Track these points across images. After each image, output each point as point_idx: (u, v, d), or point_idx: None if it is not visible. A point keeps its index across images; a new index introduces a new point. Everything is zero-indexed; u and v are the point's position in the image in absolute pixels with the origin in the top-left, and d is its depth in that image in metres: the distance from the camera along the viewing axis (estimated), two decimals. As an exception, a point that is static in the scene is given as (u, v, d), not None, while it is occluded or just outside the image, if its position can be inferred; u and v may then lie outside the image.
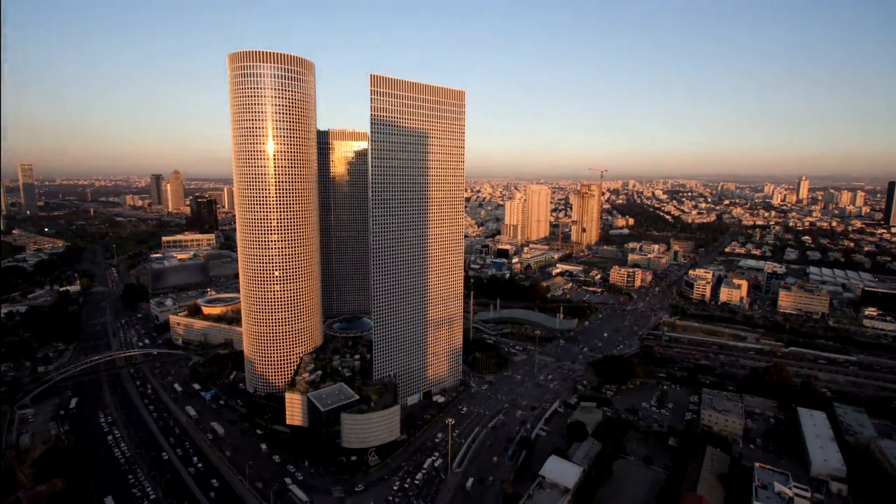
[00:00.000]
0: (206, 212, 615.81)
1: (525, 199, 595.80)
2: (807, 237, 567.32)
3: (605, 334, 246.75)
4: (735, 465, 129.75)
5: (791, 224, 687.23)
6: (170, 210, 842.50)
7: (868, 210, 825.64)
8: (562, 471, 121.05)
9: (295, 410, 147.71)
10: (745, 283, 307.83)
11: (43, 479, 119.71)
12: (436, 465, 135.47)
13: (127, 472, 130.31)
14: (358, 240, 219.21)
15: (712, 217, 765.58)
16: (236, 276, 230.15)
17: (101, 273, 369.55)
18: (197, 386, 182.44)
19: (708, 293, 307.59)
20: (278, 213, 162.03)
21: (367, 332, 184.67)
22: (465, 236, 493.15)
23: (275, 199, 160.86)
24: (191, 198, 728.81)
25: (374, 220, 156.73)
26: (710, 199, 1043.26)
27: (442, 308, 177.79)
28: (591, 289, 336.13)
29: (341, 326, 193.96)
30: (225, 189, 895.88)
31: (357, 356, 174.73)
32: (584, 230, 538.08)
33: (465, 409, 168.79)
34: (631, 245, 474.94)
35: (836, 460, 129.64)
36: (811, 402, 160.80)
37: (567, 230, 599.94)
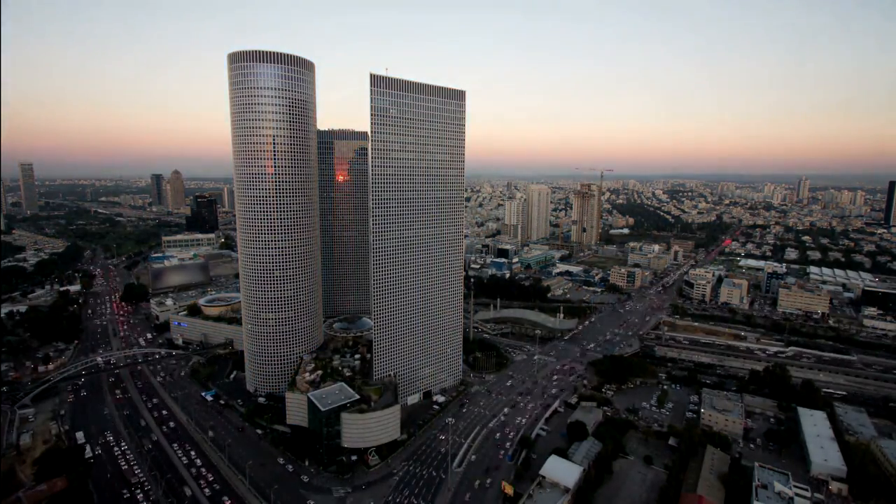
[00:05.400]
0: (206, 212, 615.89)
1: (525, 199, 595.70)
2: (807, 237, 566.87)
3: (605, 334, 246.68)
4: (735, 464, 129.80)
5: (791, 224, 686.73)
6: (170, 210, 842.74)
7: (868, 210, 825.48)
8: (562, 470, 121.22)
9: (295, 410, 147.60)
10: (745, 283, 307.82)
11: (43, 478, 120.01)
12: (436, 464, 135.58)
13: (127, 472, 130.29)
14: (358, 240, 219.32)
15: (712, 217, 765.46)
16: (236, 275, 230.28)
17: (101, 273, 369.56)
18: (197, 386, 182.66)
19: (708, 293, 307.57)
20: (278, 213, 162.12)
21: (367, 331, 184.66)
22: (465, 236, 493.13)
23: (275, 199, 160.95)
24: (191, 198, 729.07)
25: (374, 220, 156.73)
26: (710, 199, 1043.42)
27: (442, 308, 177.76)
28: (591, 289, 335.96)
29: (341, 326, 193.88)
30: (225, 189, 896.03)
31: (357, 356, 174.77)
32: (584, 230, 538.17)
33: (465, 408, 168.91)
34: (631, 245, 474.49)
35: (836, 460, 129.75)
36: (811, 402, 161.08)
37: (567, 230, 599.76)
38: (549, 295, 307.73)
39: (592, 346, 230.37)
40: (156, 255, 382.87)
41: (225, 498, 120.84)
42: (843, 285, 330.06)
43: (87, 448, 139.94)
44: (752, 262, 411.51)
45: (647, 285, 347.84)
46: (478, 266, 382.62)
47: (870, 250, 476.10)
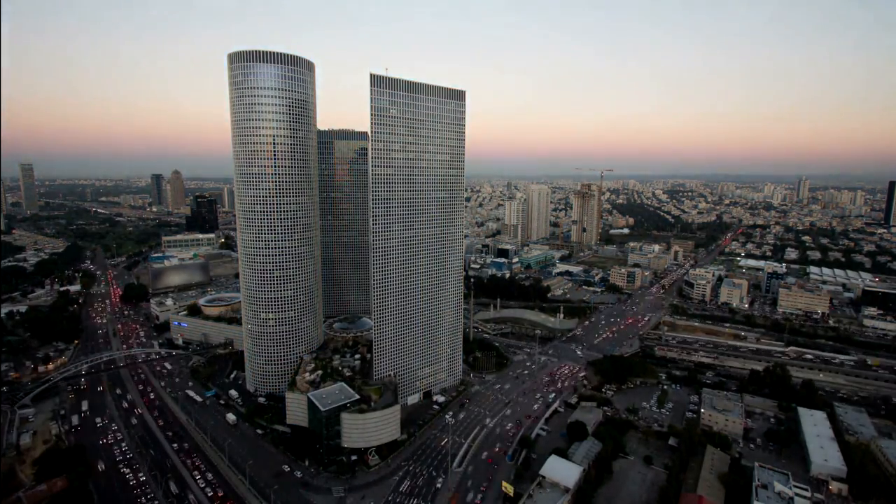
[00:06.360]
0: (206, 211, 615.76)
1: (525, 199, 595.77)
2: (807, 237, 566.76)
3: (605, 334, 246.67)
4: (735, 464, 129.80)
5: (791, 224, 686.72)
6: (170, 210, 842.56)
7: (868, 210, 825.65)
8: (562, 470, 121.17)
9: (295, 410, 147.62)
10: (745, 283, 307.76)
11: (43, 478, 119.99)
12: (436, 464, 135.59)
13: (127, 472, 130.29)
14: (358, 240, 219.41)
15: (712, 217, 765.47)
16: (236, 275, 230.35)
17: (101, 273, 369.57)
18: (196, 386, 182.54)
19: (708, 293, 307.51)
20: (278, 213, 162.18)
21: (367, 331, 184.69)
22: (465, 236, 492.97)
23: (275, 199, 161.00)
24: (191, 197, 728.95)
25: (374, 219, 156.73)
26: (710, 199, 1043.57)
27: (442, 308, 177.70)
28: (591, 289, 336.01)
29: (341, 326, 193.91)
30: (225, 189, 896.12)
31: (357, 356, 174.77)
32: (584, 230, 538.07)
33: (465, 408, 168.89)
34: (631, 245, 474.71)
35: (837, 460, 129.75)
36: (811, 402, 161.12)
37: (567, 230, 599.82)
38: (549, 295, 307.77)
39: (592, 345, 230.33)
40: (156, 255, 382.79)
41: (224, 496, 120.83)
42: (843, 285, 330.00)
43: (87, 448, 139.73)
44: (752, 262, 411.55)
45: (647, 285, 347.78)
46: (478, 266, 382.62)
47: (870, 250, 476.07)
